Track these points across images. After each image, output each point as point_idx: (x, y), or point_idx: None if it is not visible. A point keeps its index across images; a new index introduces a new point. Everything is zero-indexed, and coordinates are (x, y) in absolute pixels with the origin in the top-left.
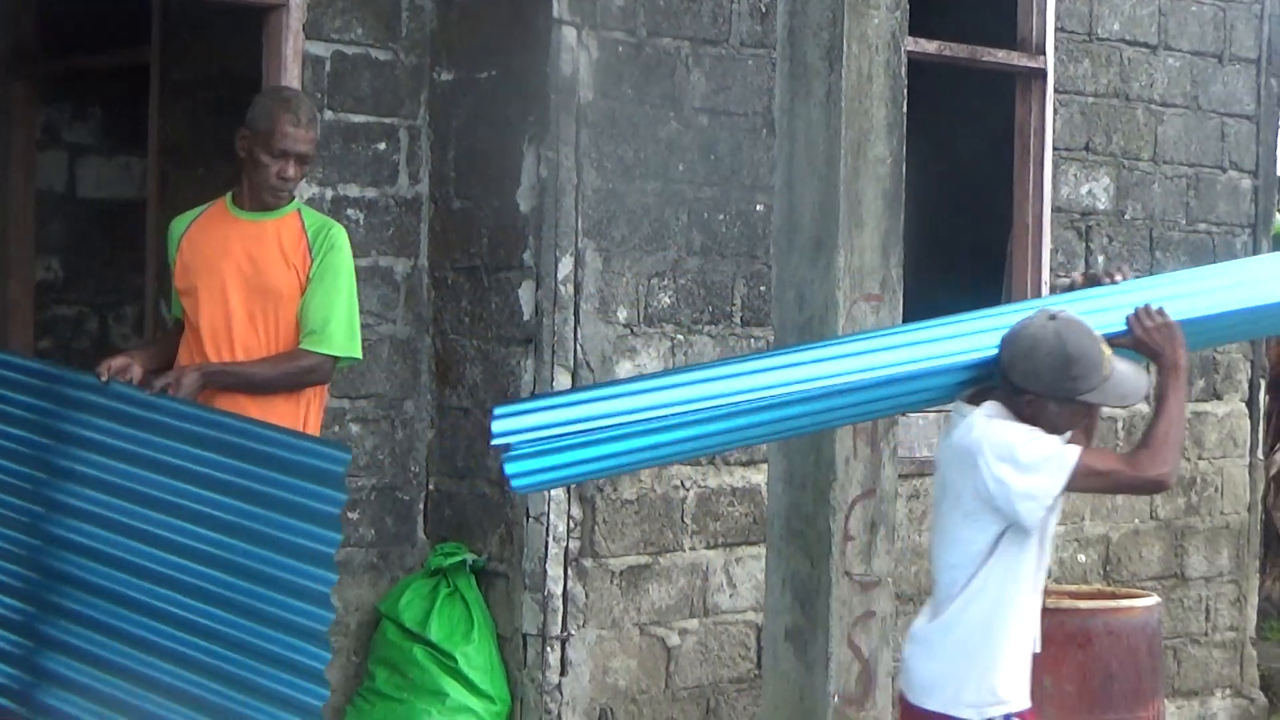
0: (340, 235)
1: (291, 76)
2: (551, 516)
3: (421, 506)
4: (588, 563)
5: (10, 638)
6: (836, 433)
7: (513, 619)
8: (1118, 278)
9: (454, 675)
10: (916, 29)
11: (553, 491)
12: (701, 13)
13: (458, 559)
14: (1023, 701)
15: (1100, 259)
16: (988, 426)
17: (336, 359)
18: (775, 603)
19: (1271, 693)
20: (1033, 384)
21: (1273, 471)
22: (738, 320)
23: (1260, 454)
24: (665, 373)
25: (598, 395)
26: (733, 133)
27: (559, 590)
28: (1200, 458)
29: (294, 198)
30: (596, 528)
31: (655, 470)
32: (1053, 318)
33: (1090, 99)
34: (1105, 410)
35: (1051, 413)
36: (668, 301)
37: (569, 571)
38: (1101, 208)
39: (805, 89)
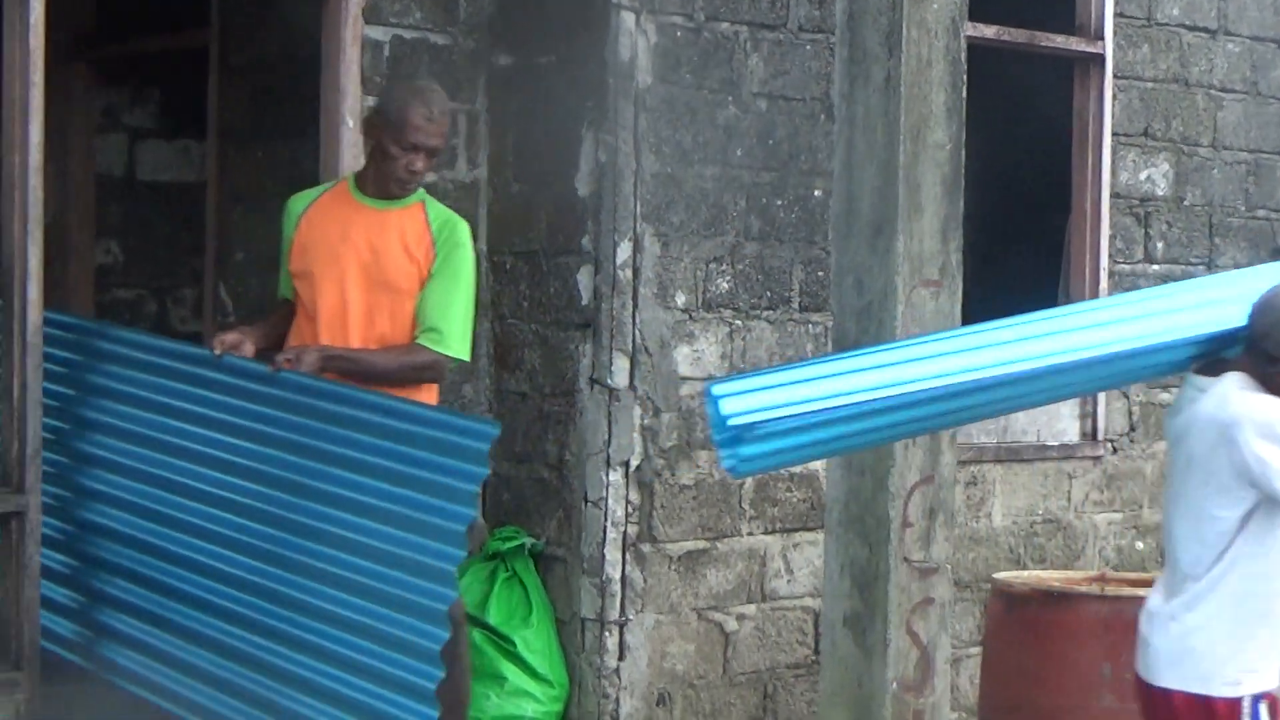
0: (464, 232)
1: (350, 60)
2: (610, 501)
3: (480, 490)
4: (646, 547)
5: (134, 623)
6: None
7: (571, 603)
8: None
9: (512, 659)
10: (975, 14)
11: (611, 476)
12: None
13: (516, 543)
14: (1273, 680)
15: (1159, 245)
16: (1244, 401)
17: (452, 360)
18: (834, 589)
19: None
20: None
21: None
22: (796, 305)
23: None
24: (885, 347)
25: (824, 374)
26: (791, 118)
27: (617, 575)
28: None
29: (419, 189)
30: (655, 513)
31: (714, 455)
32: None
33: (1149, 84)
34: None
35: None
36: (726, 287)
37: (627, 556)
38: (1160, 194)
39: (864, 74)
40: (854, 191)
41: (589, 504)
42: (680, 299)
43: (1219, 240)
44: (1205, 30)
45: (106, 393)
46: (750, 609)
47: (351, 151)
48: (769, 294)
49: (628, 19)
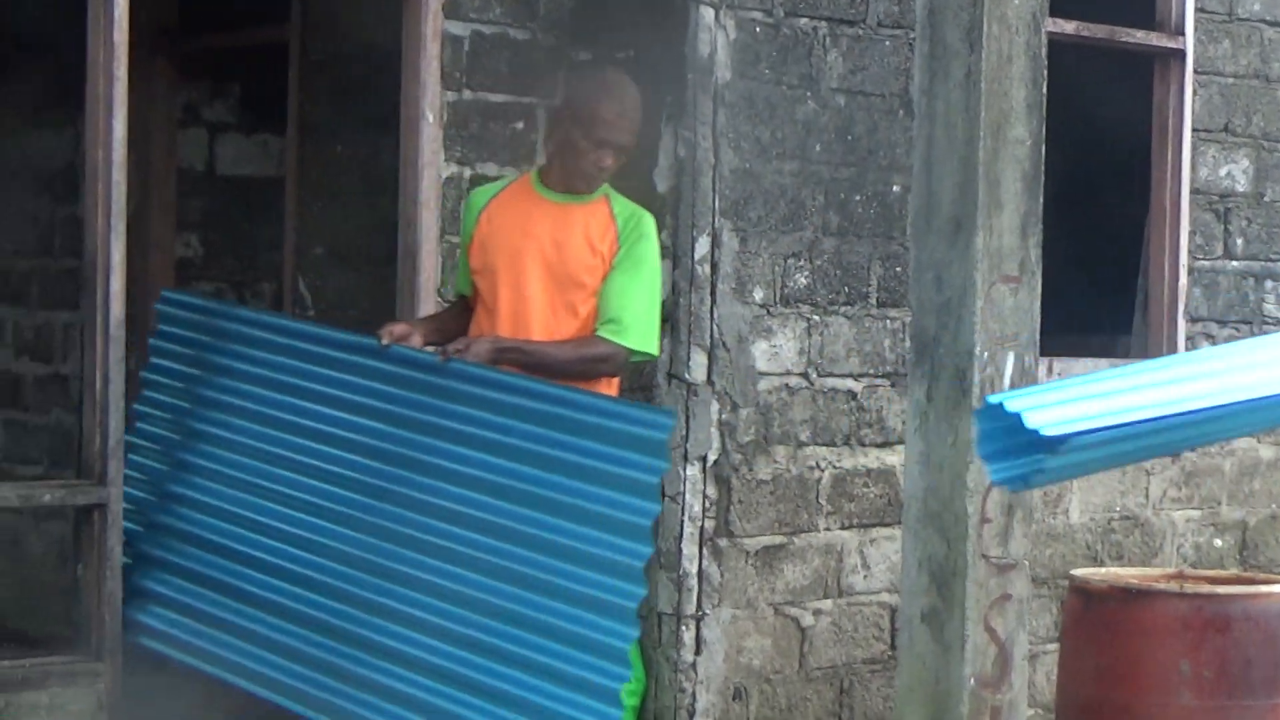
0: (650, 224)
1: (430, 56)
2: (687, 496)
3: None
4: (723, 542)
5: (297, 631)
6: (974, 415)
7: (648, 598)
8: None
9: None
10: (1055, 9)
11: (688, 471)
12: None
13: None
14: None
15: (1239, 241)
16: None
17: (631, 351)
18: (911, 585)
19: None
20: None
21: None
22: (874, 301)
23: None
24: (1175, 360)
25: (1123, 387)
26: (869, 113)
27: (694, 569)
28: None
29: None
30: (732, 507)
31: (791, 450)
32: None
33: (1230, 80)
34: None
35: None
36: (804, 282)
37: (704, 551)
38: (1240, 190)
39: (945, 70)
40: (933, 187)
41: (666, 499)
42: (758, 294)
43: None
44: None
45: (264, 382)
46: (827, 604)
47: (431, 146)
48: (847, 289)
49: (707, 14)
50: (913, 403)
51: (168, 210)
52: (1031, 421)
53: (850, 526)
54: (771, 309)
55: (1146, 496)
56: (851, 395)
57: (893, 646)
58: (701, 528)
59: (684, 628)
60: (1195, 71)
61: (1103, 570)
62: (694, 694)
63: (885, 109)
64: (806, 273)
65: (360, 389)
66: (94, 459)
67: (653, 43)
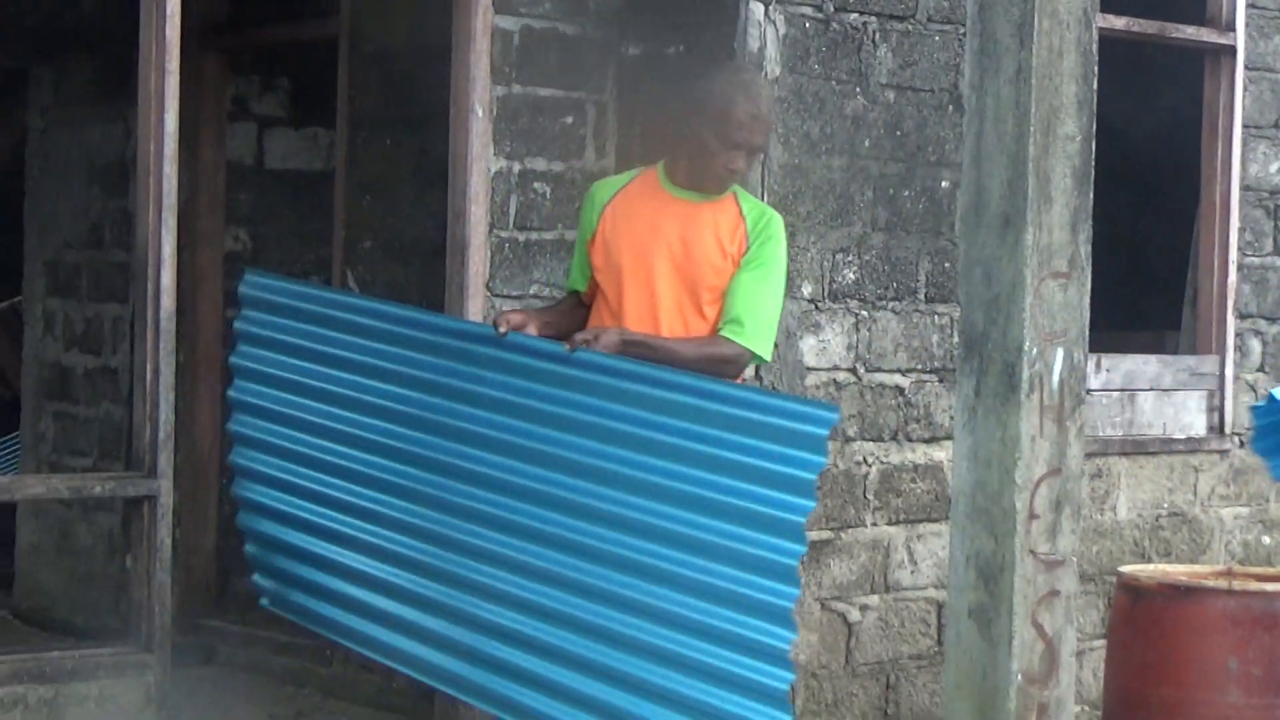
0: (779, 225)
1: (480, 50)
2: None
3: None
4: None
5: (438, 622)
6: (1022, 410)
7: None
8: None
9: None
10: (1105, 5)
11: None
12: None
13: None
14: None
15: None
16: None
17: (752, 354)
18: (959, 580)
19: None
20: None
21: None
22: (922, 297)
23: None
24: None
25: None
26: (919, 109)
27: None
28: None
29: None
30: None
31: (838, 446)
32: None
33: None
34: None
35: None
36: (852, 277)
37: None
38: None
39: (995, 66)
40: (983, 183)
41: None
42: (807, 289)
43: None
44: None
45: (371, 371)
46: (874, 599)
47: (480, 141)
48: (895, 285)
49: (756, 10)
50: (961, 398)
51: (217, 204)
52: None
53: (897, 522)
54: (820, 304)
55: (1195, 493)
56: (899, 391)
57: (939, 642)
58: None
59: None
60: (1246, 68)
61: (1151, 567)
62: None
63: (935, 104)
64: (855, 268)
65: (473, 377)
66: (144, 451)
67: (702, 38)
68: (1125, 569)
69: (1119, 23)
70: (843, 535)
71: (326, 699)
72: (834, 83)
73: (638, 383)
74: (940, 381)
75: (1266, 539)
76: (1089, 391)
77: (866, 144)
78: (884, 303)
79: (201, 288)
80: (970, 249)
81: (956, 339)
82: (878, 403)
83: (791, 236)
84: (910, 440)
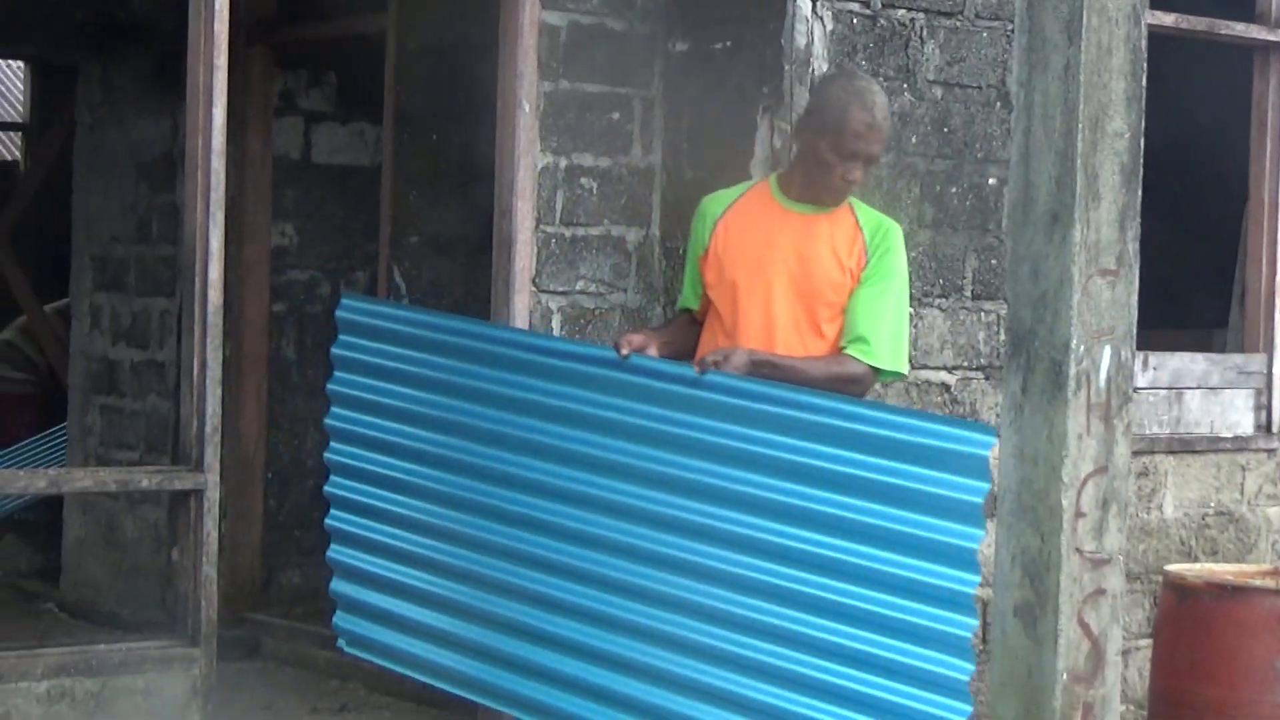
0: (897, 235)
1: (527, 45)
2: None
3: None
4: None
5: (550, 657)
6: (1069, 408)
7: None
8: None
9: None
10: (1154, 2)
11: None
12: None
13: None
14: None
15: None
16: None
17: (880, 371)
18: (1005, 578)
19: None
20: None
21: None
22: (969, 294)
23: None
24: None
25: None
26: (966, 105)
27: None
28: None
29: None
30: None
31: None
32: None
33: None
34: None
35: None
36: None
37: None
38: None
39: (1043, 62)
40: (1031, 180)
41: None
42: None
43: None
44: None
45: (475, 395)
46: None
47: (527, 136)
48: (942, 281)
49: (804, 5)
50: (1008, 396)
51: (263, 199)
52: None
53: None
54: None
55: (1241, 492)
56: (945, 388)
57: (985, 640)
58: None
59: None
60: None
61: (1197, 566)
62: None
63: (982, 101)
64: None
65: (590, 401)
66: (190, 445)
67: (750, 34)
68: (1171, 568)
69: (1168, 19)
70: None
71: (371, 693)
72: (881, 79)
73: (776, 405)
74: (986, 379)
75: None
76: (1136, 389)
77: (913, 140)
78: (930, 300)
79: (248, 282)
80: (1017, 246)
81: (1003, 336)
82: (924, 400)
83: None
84: None
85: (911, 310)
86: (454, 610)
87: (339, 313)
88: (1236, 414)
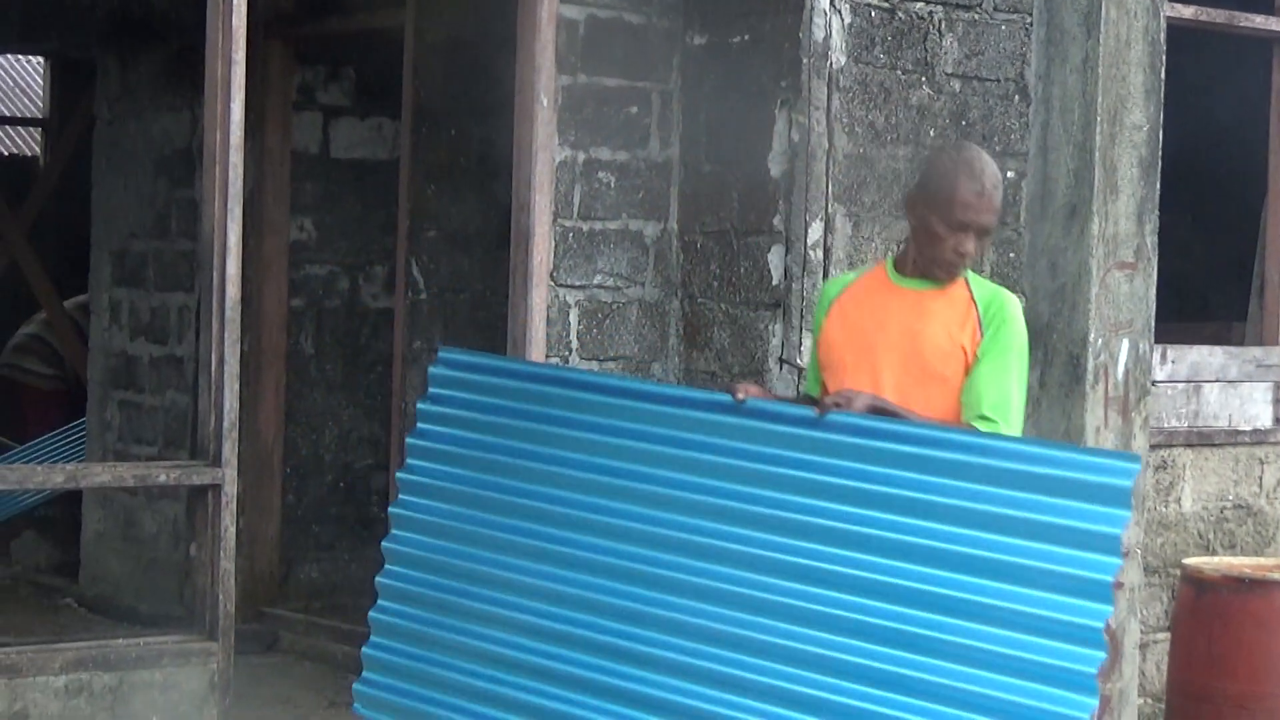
0: (1014, 307)
1: (545, 39)
2: None
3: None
4: None
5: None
6: (1087, 401)
7: None
8: None
9: None
10: None
11: None
12: None
13: None
14: None
15: None
16: None
17: None
18: None
19: None
20: None
21: None
22: None
23: None
24: None
25: None
26: (984, 98)
27: None
28: None
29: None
30: None
31: None
32: None
33: None
34: None
35: None
36: None
37: None
38: None
39: (1062, 55)
40: (1049, 173)
41: None
42: None
43: None
44: None
45: (576, 444)
46: None
47: (545, 130)
48: None
49: None
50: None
51: (282, 193)
52: None
53: None
54: None
55: (1260, 485)
56: None
57: None
58: None
59: None
60: None
61: (1215, 559)
62: None
63: (1000, 94)
64: None
65: (701, 445)
66: (208, 440)
67: (768, 27)
68: (1189, 561)
69: (1186, 11)
70: None
71: None
72: (899, 72)
73: (902, 443)
74: None
75: None
76: (1154, 383)
77: (932, 134)
78: None
79: (266, 277)
80: (1036, 239)
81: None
82: None
83: (856, 226)
84: None
85: None
86: (533, 672)
87: (432, 369)
88: (1255, 407)
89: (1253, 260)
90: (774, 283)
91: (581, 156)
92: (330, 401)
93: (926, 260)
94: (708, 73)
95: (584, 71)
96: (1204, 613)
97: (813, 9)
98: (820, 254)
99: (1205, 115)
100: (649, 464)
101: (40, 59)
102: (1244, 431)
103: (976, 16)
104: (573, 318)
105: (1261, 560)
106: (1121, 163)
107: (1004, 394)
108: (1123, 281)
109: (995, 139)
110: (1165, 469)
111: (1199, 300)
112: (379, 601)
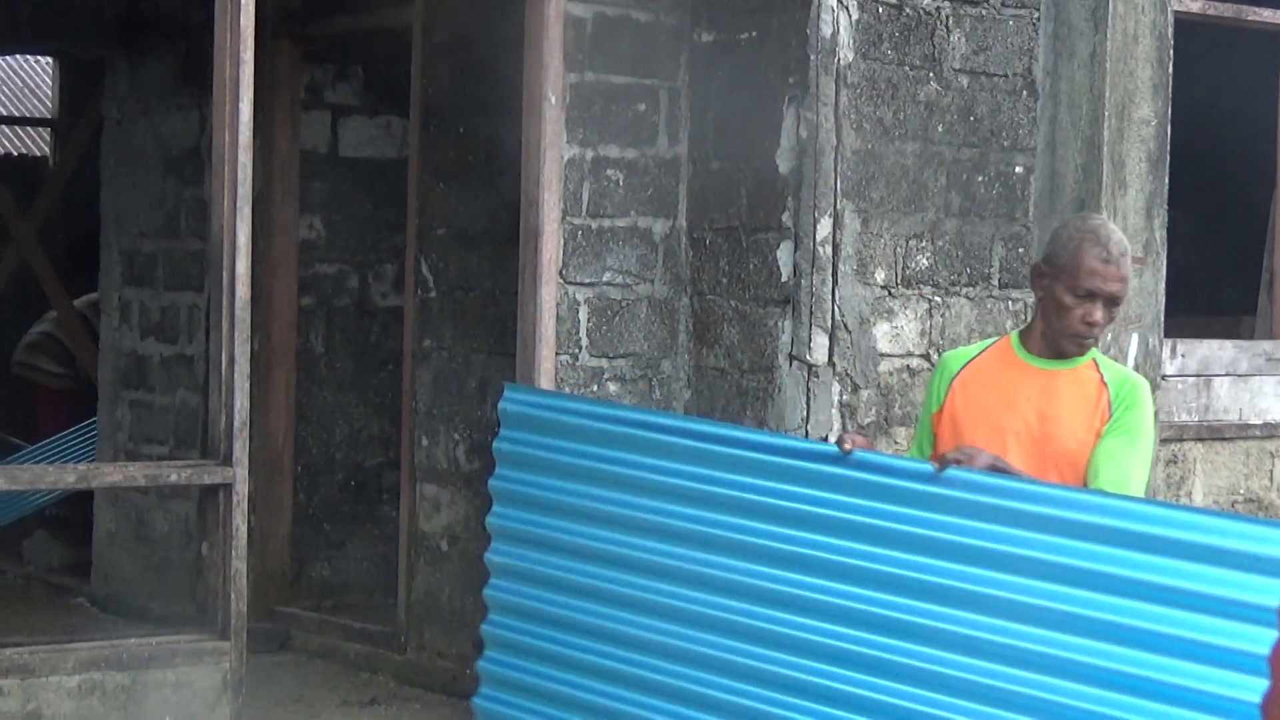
0: (1146, 392)
1: (553, 37)
2: None
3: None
4: None
5: None
6: None
7: None
8: None
9: None
10: None
11: None
12: None
13: None
14: None
15: None
16: None
17: None
18: None
19: None
20: None
21: None
22: (995, 283)
23: None
24: None
25: None
26: (992, 94)
27: None
28: None
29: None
30: None
31: (911, 432)
32: None
33: None
34: None
35: None
36: (925, 263)
37: None
38: None
39: (1069, 50)
40: (1057, 168)
41: None
42: (880, 275)
43: None
44: None
45: (662, 491)
46: None
47: (553, 128)
48: (969, 271)
49: None
50: None
51: (291, 192)
52: None
53: None
54: (893, 290)
55: (1271, 479)
56: None
57: None
58: None
59: None
60: None
61: None
62: None
63: (1008, 89)
64: (928, 254)
65: (798, 497)
66: (219, 439)
67: (775, 24)
68: None
69: (1195, 5)
70: None
71: (400, 685)
72: (907, 68)
73: (1033, 503)
74: None
75: None
76: (1164, 377)
77: (940, 129)
78: (957, 288)
79: (276, 276)
80: (1044, 234)
81: None
82: None
83: (865, 222)
84: None
85: (939, 299)
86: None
87: (501, 404)
88: (1265, 401)
89: (1262, 254)
90: (783, 279)
91: (590, 154)
92: (340, 400)
93: (1054, 333)
94: (716, 70)
95: (592, 69)
96: None
97: (820, 5)
98: (829, 250)
99: (1215, 110)
100: (740, 513)
101: (49, 59)
102: (1255, 425)
103: (984, 12)
104: (582, 315)
105: None
106: (1130, 157)
107: (1124, 472)
108: (1133, 276)
109: (1003, 134)
110: (1176, 463)
111: (1208, 294)
112: (486, 650)
